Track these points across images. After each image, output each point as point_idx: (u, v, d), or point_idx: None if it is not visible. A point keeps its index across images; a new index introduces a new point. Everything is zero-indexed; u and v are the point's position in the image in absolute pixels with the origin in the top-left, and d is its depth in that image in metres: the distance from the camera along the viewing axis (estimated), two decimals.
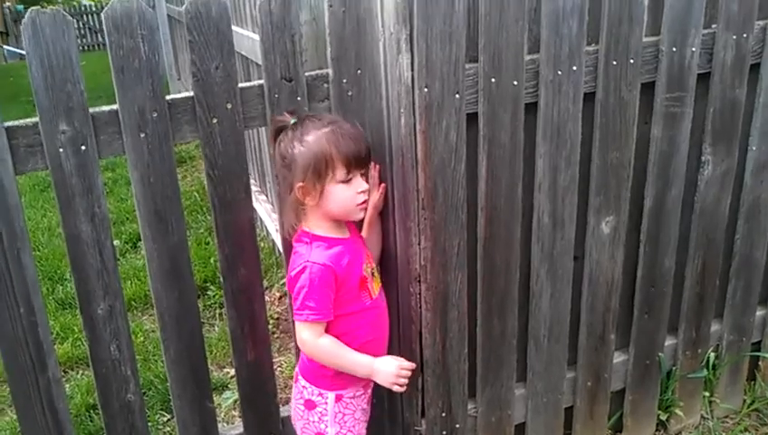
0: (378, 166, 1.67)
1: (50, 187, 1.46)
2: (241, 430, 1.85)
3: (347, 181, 1.51)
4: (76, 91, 1.44)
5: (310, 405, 1.67)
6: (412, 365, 1.62)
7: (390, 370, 1.58)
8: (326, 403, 1.64)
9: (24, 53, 1.42)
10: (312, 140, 1.49)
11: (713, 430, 2.26)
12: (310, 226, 1.58)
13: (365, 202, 1.57)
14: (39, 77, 1.41)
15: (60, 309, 3.34)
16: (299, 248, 1.58)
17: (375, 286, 1.64)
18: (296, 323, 1.57)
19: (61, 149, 1.46)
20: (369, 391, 1.75)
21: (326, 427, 1.66)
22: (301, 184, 1.51)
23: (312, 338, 1.55)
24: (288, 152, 1.52)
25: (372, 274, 1.64)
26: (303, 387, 1.67)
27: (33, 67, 1.40)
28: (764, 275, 2.24)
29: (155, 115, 1.51)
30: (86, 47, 13.48)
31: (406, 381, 1.59)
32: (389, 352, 1.70)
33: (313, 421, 1.67)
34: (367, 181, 1.57)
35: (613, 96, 1.76)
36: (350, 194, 1.53)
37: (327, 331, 1.58)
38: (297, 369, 1.71)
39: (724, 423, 2.33)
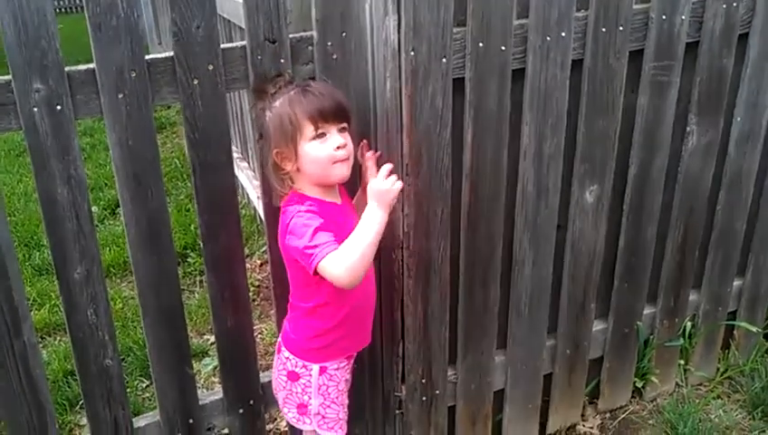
0: (364, 140, 1.62)
1: (26, 151, 1.41)
2: (221, 395, 1.85)
3: (319, 137, 1.46)
4: (51, 48, 1.38)
5: (293, 377, 1.65)
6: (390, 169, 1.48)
7: (382, 187, 1.45)
8: (310, 375, 1.63)
9: None
10: (278, 104, 1.48)
11: (687, 397, 2.31)
12: (302, 188, 1.54)
13: (344, 159, 1.48)
14: (11, 34, 1.35)
15: (36, 275, 3.29)
16: (288, 207, 1.52)
17: None
18: (320, 267, 1.42)
19: (35, 109, 1.41)
20: (352, 361, 1.74)
21: (309, 398, 1.65)
22: (276, 150, 1.50)
23: (339, 266, 1.41)
24: (261, 121, 1.51)
25: None
26: (287, 358, 1.65)
27: (5, 23, 1.34)
28: (743, 247, 2.27)
29: (133, 75, 1.46)
30: (64, 9, 13.09)
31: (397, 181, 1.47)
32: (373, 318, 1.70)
33: (296, 392, 1.66)
34: (350, 137, 1.50)
35: (601, 63, 1.74)
36: (324, 150, 1.46)
37: (316, 295, 1.54)
38: (280, 339, 1.70)
39: (698, 390, 2.37)
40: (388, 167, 1.47)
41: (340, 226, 1.51)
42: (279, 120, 1.47)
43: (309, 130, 1.46)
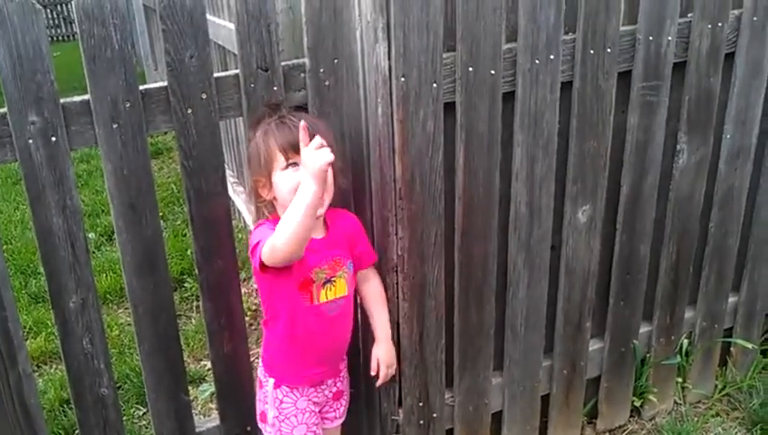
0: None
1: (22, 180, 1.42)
2: (218, 422, 1.84)
3: (291, 166, 1.49)
4: (46, 81, 1.40)
5: (259, 383, 1.71)
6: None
7: (310, 156, 1.38)
8: (267, 385, 1.67)
9: None
10: (258, 134, 1.53)
11: (685, 415, 2.30)
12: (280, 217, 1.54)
13: None
14: (7, 67, 1.37)
15: (33, 303, 3.28)
16: (256, 227, 1.56)
17: (326, 294, 1.57)
18: (263, 253, 1.45)
19: (30, 141, 1.43)
20: (327, 386, 1.72)
21: (267, 408, 1.68)
22: (254, 178, 1.55)
23: (275, 238, 1.41)
24: (246, 150, 1.56)
25: (329, 281, 1.57)
26: (259, 365, 1.70)
27: (1, 57, 1.36)
28: (737, 263, 2.28)
29: (128, 105, 1.48)
30: (60, 38, 13.16)
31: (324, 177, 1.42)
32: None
33: (259, 399, 1.71)
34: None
35: (590, 85, 1.77)
36: (293, 180, 1.47)
37: (270, 308, 1.60)
38: None
39: (697, 408, 2.37)
40: (318, 139, 1.39)
41: (314, 252, 1.52)
42: (256, 149, 1.53)
43: (281, 160, 1.49)
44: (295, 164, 1.48)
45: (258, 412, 1.73)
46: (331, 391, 1.74)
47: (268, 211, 1.59)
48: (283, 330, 1.60)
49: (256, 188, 1.56)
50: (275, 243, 1.41)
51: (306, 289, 1.56)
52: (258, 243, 1.49)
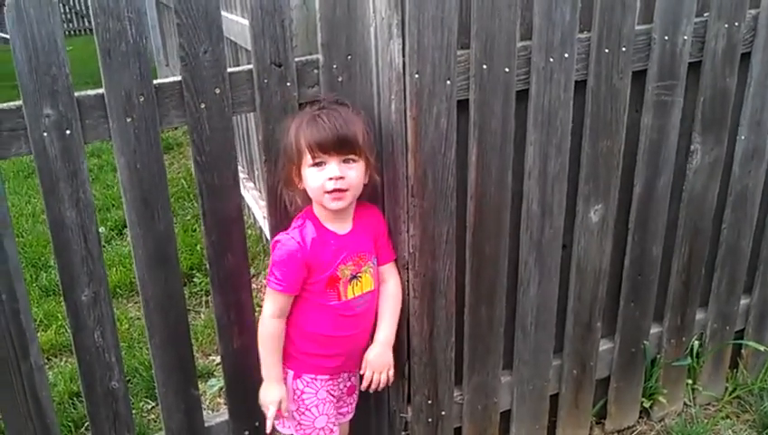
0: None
1: (34, 173, 1.43)
2: (226, 417, 1.85)
3: (317, 165, 1.51)
4: (61, 74, 1.41)
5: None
6: (272, 414, 1.64)
7: (268, 396, 1.65)
8: (287, 378, 1.68)
9: (7, 36, 1.39)
10: (292, 126, 1.54)
11: (695, 417, 2.29)
12: (315, 207, 1.60)
13: (335, 191, 1.50)
14: (23, 60, 1.37)
15: (44, 296, 3.30)
16: (294, 223, 1.62)
17: (353, 290, 1.62)
18: (267, 290, 1.61)
19: (45, 134, 1.43)
20: (343, 380, 1.74)
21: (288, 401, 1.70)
22: (287, 167, 1.56)
23: (268, 310, 1.60)
24: (282, 139, 1.58)
25: (355, 277, 1.62)
26: None
27: (17, 50, 1.37)
28: (749, 264, 2.26)
29: (142, 99, 1.48)
30: (73, 32, 13.19)
31: (267, 412, 1.65)
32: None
33: None
34: (360, 168, 1.53)
35: (605, 84, 1.76)
36: (318, 179, 1.51)
37: (295, 317, 1.63)
38: None
39: (707, 410, 2.35)
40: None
41: (327, 254, 1.57)
42: (288, 141, 1.54)
43: (308, 157, 1.51)
44: (321, 163, 1.50)
45: None
46: (345, 385, 1.76)
47: (300, 199, 1.61)
48: (307, 326, 1.62)
49: (289, 177, 1.57)
50: (260, 329, 1.64)
51: (333, 286, 1.59)
52: (273, 258, 1.58)
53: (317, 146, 1.49)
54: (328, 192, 1.51)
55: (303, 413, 1.68)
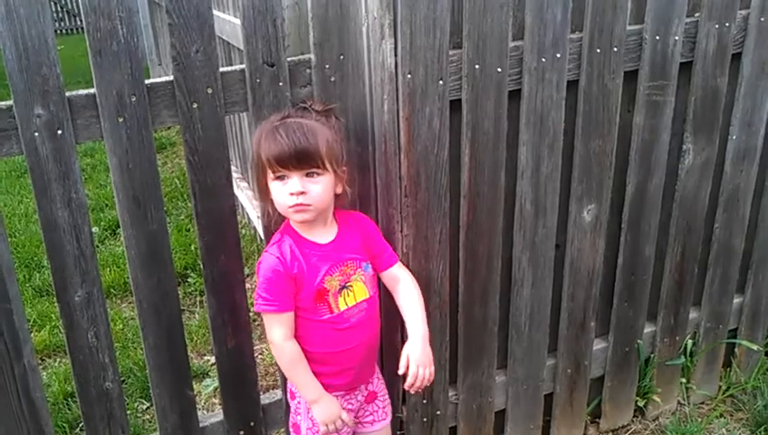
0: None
1: (26, 173, 1.43)
2: (221, 417, 1.84)
3: (279, 179, 1.46)
4: (52, 74, 1.40)
5: (291, 395, 1.68)
6: (350, 422, 1.61)
7: (328, 413, 1.57)
8: (299, 396, 1.63)
9: None
10: (255, 136, 1.51)
11: (689, 415, 2.30)
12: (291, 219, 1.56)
13: (297, 205, 1.45)
14: (13, 59, 1.37)
15: (37, 296, 3.29)
16: (273, 238, 1.59)
17: (345, 301, 1.55)
18: (263, 314, 1.56)
19: (36, 134, 1.42)
20: (360, 391, 1.69)
21: (300, 419, 1.65)
22: (257, 178, 1.53)
23: (277, 336, 1.53)
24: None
25: (345, 287, 1.55)
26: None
27: (7, 49, 1.36)
28: (742, 264, 2.27)
29: (133, 99, 1.48)
30: (64, 31, 13.17)
31: (334, 429, 1.59)
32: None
33: (292, 412, 1.68)
34: (324, 180, 1.46)
35: (596, 84, 1.76)
36: (281, 194, 1.47)
37: (296, 335, 1.56)
38: None
39: (700, 409, 2.36)
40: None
41: (308, 266, 1.51)
42: (252, 154, 1.51)
43: (269, 171, 1.47)
44: (283, 177, 1.46)
45: (291, 424, 1.69)
46: (363, 395, 1.70)
47: (272, 210, 1.55)
48: (305, 344, 1.56)
49: (261, 188, 1.53)
50: (279, 358, 1.60)
51: (322, 300, 1.53)
52: (259, 287, 1.53)
53: (275, 160, 1.43)
54: (290, 207, 1.47)
55: (317, 432, 1.62)
